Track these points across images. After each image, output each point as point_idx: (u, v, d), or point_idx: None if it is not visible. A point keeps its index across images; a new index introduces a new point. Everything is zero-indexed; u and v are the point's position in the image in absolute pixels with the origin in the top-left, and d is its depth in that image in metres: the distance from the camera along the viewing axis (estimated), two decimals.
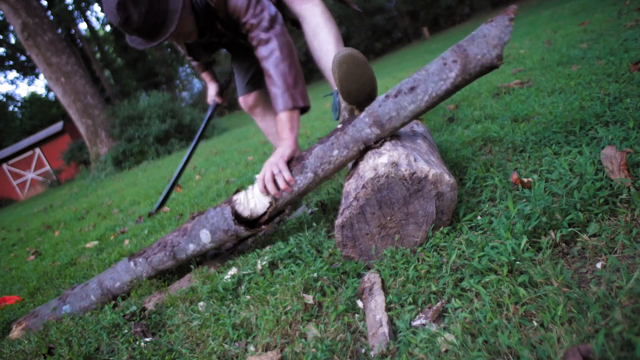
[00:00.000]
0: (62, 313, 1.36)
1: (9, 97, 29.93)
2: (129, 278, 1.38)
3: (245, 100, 2.00)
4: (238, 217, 1.26)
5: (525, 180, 1.02)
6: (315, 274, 0.99)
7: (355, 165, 1.12)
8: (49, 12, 18.41)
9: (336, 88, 1.36)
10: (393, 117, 1.05)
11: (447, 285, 0.81)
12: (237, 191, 1.33)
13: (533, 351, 0.59)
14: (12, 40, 22.68)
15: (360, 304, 0.88)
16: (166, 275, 1.49)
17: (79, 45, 23.25)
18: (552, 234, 0.81)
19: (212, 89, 2.08)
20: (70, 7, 22.58)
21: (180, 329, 1.05)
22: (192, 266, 1.43)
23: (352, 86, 1.12)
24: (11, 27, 15.73)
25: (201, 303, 1.12)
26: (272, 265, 1.18)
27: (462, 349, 0.65)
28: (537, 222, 0.82)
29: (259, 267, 1.18)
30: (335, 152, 1.12)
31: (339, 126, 1.13)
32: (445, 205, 0.94)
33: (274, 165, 1.20)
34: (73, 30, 23.09)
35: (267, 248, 1.31)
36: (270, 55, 1.34)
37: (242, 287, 1.14)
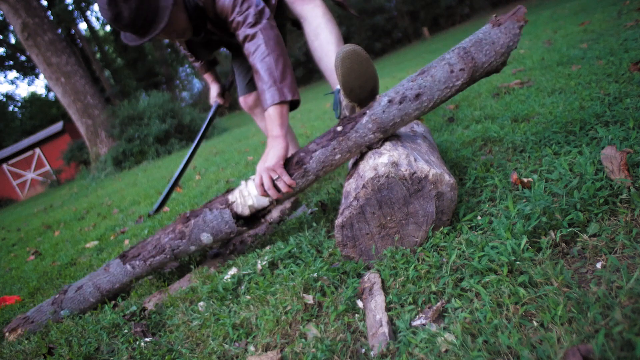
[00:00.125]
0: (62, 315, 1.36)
1: (9, 97, 29.92)
2: (128, 279, 1.38)
3: (245, 101, 2.00)
4: (237, 217, 1.27)
5: (525, 180, 1.02)
6: (315, 274, 0.99)
7: (356, 165, 1.12)
8: (49, 12, 18.43)
9: (337, 87, 1.36)
10: (397, 122, 1.07)
11: (447, 285, 0.81)
12: (228, 191, 1.32)
13: (533, 351, 0.59)
14: (12, 40, 22.70)
15: (360, 304, 0.88)
16: (166, 275, 1.49)
17: (79, 45, 23.26)
18: (552, 234, 0.81)
19: (214, 90, 2.08)
20: (70, 7, 22.60)
21: (180, 329, 1.05)
22: (192, 266, 1.43)
23: (355, 82, 1.12)
24: (11, 27, 15.73)
25: (201, 303, 1.12)
26: (272, 265, 1.18)
27: (462, 349, 0.65)
28: (537, 222, 0.82)
29: (259, 267, 1.18)
30: (338, 156, 1.13)
31: (339, 128, 1.13)
32: (445, 205, 0.94)
33: (272, 171, 1.19)
34: (73, 30, 23.10)
35: (267, 248, 1.31)
36: (257, 50, 1.30)
37: (242, 287, 1.14)
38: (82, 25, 32.69)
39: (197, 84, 35.26)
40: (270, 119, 1.27)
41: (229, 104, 2.14)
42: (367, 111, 1.08)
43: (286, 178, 1.17)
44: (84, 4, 23.60)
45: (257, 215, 1.31)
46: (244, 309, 1.01)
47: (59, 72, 8.67)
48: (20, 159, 15.77)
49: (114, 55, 29.04)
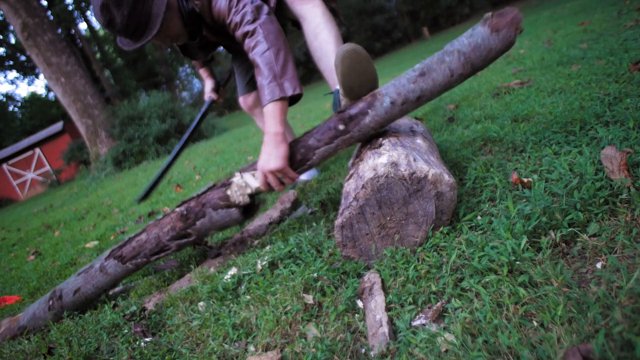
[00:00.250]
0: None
1: (9, 97, 29.97)
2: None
3: (245, 101, 2.00)
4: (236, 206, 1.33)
5: (525, 180, 1.02)
6: (315, 274, 0.99)
7: (355, 165, 1.12)
8: (49, 12, 18.41)
9: (337, 87, 1.35)
10: (396, 119, 1.14)
11: (447, 285, 0.81)
12: (223, 185, 1.32)
13: (533, 351, 0.59)
14: (12, 40, 22.71)
15: (360, 304, 0.88)
16: (166, 275, 1.49)
17: (79, 45, 23.25)
18: (552, 234, 0.81)
19: (208, 85, 2.07)
20: (70, 7, 22.59)
21: (180, 329, 1.05)
22: (192, 266, 1.43)
23: (355, 81, 1.12)
24: (11, 27, 15.73)
25: (201, 303, 1.12)
26: (272, 265, 1.18)
27: (462, 349, 0.65)
28: (537, 222, 0.82)
29: (259, 267, 1.18)
30: (339, 149, 1.21)
31: (341, 127, 1.14)
32: (445, 205, 0.94)
33: (278, 172, 1.21)
34: (73, 30, 23.09)
35: (267, 248, 1.31)
36: (256, 45, 1.27)
37: (242, 287, 1.14)
38: (82, 25, 32.72)
39: (197, 84, 35.28)
40: (269, 116, 1.24)
41: (228, 104, 2.13)
42: (369, 111, 1.09)
43: (292, 174, 1.23)
44: (84, 4, 23.60)
45: (253, 202, 1.37)
46: (244, 309, 1.01)
47: (59, 72, 8.67)
48: (20, 159, 15.77)
49: (114, 55, 29.05)
